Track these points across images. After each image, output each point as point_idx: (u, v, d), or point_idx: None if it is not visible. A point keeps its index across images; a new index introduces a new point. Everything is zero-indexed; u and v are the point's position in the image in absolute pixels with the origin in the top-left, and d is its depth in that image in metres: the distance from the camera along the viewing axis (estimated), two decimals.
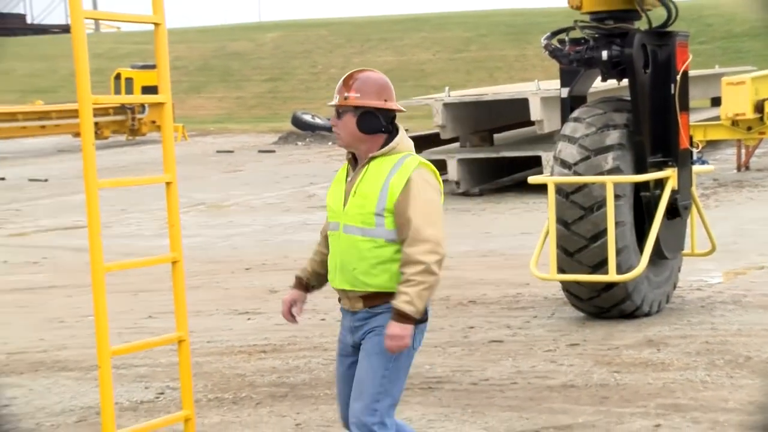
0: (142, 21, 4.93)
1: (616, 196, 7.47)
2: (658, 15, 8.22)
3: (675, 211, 8.00)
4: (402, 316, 4.06)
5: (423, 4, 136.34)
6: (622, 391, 6.05)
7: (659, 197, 7.81)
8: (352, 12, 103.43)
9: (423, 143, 17.97)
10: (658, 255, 7.90)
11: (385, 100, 4.33)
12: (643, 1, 8.14)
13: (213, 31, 52.05)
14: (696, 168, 8.72)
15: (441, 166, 16.75)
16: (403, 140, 4.33)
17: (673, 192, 7.90)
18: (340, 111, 4.33)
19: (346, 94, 4.31)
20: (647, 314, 7.89)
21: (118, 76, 30.71)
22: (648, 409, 5.70)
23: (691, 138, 8.37)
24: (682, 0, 9.98)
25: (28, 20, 67.22)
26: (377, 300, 4.21)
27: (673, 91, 7.95)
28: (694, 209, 8.41)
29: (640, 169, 7.79)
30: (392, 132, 4.31)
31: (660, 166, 7.92)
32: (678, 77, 8.00)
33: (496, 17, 46.36)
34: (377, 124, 4.31)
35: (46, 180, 21.10)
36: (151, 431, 4.87)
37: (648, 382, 6.19)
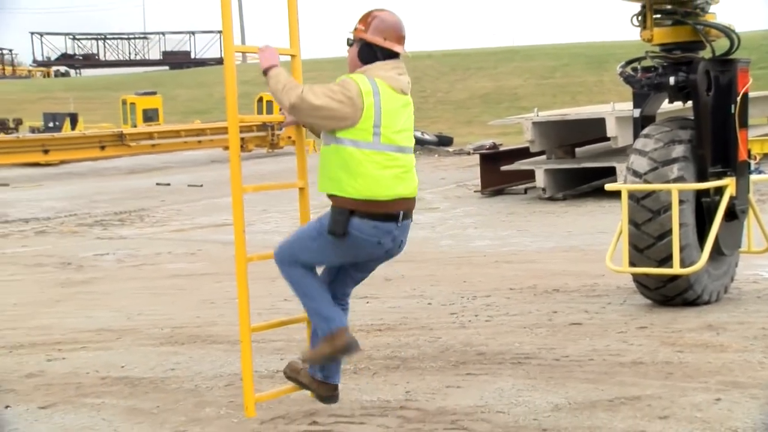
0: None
1: (680, 201, 7.33)
2: (722, 44, 8.03)
3: (733, 214, 7.81)
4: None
5: (515, 37, 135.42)
6: (685, 368, 5.90)
7: (719, 202, 7.64)
8: (455, 45, 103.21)
9: (515, 156, 17.87)
10: (717, 252, 7.73)
11: (384, 39, 4.31)
12: (707, 33, 7.95)
13: (341, 62, 52.50)
14: (753, 177, 8.47)
15: (530, 175, 16.64)
16: (375, 67, 4.32)
17: (732, 198, 7.71)
18: (351, 40, 4.39)
19: (356, 26, 4.36)
20: (707, 303, 7.71)
21: (260, 99, 31.14)
22: (709, 384, 5.55)
23: (749, 151, 8.16)
24: (745, 30, 9.73)
25: (192, 56, 68.63)
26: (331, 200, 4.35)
27: (733, 111, 7.77)
28: (751, 212, 8.20)
29: (701, 178, 7.64)
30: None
31: (720, 176, 7.74)
32: (738, 98, 7.81)
33: (578, 48, 45.76)
34: (373, 56, 4.32)
35: (201, 185, 21.52)
36: (285, 395, 4.93)
37: (708, 361, 6.03)
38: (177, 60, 67.19)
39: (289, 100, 4.23)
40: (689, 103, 7.91)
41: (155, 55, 69.77)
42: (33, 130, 34.99)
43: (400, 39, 4.38)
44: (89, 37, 70.94)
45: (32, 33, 70.39)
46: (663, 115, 8.49)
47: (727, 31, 7.97)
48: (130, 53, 70.66)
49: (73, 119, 34.68)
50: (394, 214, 4.30)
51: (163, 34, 70.25)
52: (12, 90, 52.92)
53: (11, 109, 42.99)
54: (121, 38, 70.99)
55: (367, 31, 4.34)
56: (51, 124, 34.85)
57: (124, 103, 35.60)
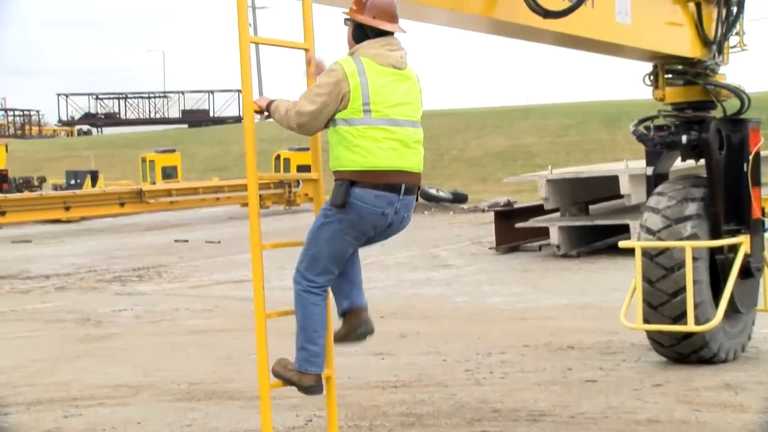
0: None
1: (694, 259, 7.31)
2: (733, 104, 8.07)
3: (748, 272, 7.76)
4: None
5: (530, 96, 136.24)
6: (703, 428, 5.83)
7: (733, 260, 7.61)
8: (470, 103, 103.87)
9: (530, 213, 17.86)
10: (733, 309, 7.67)
11: (374, 17, 4.41)
12: (718, 93, 8.00)
13: None
14: None
15: (545, 232, 16.61)
16: (363, 47, 4.42)
17: (746, 255, 7.68)
18: (346, 20, 4.50)
19: (350, 6, 4.48)
20: (724, 361, 7.64)
21: (278, 157, 31.33)
22: None
23: (763, 209, 8.15)
24: (755, 90, 9.79)
25: (211, 114, 69.25)
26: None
27: (745, 169, 7.78)
28: (766, 270, 8.16)
29: (715, 235, 7.62)
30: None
31: (734, 233, 7.72)
32: (750, 157, 7.82)
33: (591, 107, 45.95)
34: (364, 36, 4.43)
35: (219, 242, 21.55)
36: None
37: (727, 422, 5.95)
38: (196, 118, 67.77)
39: (296, 123, 4.39)
40: (702, 161, 7.94)
41: (175, 113, 70.41)
42: (56, 187, 35.26)
43: (392, 17, 4.48)
44: (111, 96, 71.77)
45: (59, 94, 71.40)
46: (676, 173, 8.52)
47: (737, 92, 8.02)
48: (150, 112, 71.37)
49: (94, 176, 34.96)
50: (394, 184, 4.39)
51: (183, 92, 70.98)
52: (38, 149, 53.53)
53: (37, 167, 43.44)
54: (142, 97, 71.74)
55: (359, 11, 4.46)
56: (73, 182, 35.13)
57: (143, 160, 35.88)
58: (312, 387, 4.55)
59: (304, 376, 4.53)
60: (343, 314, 4.65)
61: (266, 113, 4.53)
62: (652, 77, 8.25)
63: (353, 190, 4.34)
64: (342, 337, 4.67)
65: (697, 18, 8.05)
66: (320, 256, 4.47)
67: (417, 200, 4.58)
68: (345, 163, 4.37)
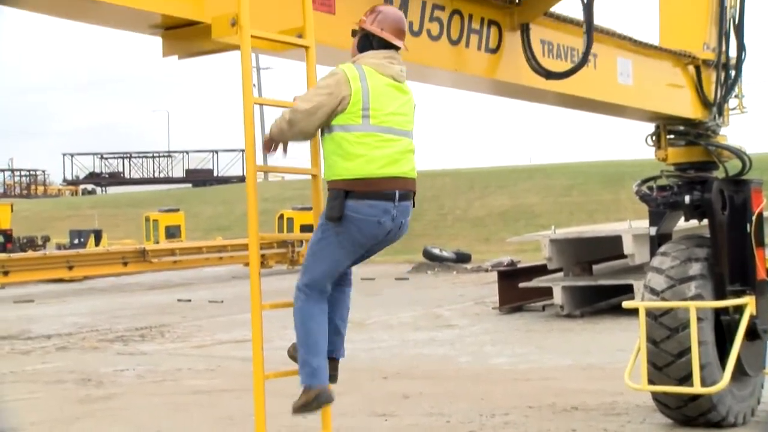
0: (302, 172, 5.04)
1: (699, 319, 7.25)
2: (735, 165, 8.09)
3: (755, 334, 7.67)
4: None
5: (533, 155, 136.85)
6: None
7: (739, 321, 7.55)
8: (473, 163, 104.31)
9: (533, 273, 17.83)
10: (740, 372, 7.58)
11: (382, 29, 4.50)
12: (719, 154, 8.03)
13: None
14: None
15: (548, 292, 16.56)
16: (366, 56, 4.50)
17: (752, 317, 7.61)
18: (355, 31, 4.60)
19: (362, 18, 4.57)
20: (733, 425, 7.51)
21: (281, 216, 31.40)
22: None
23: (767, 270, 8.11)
24: (756, 152, 9.84)
25: (215, 173, 69.58)
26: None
27: (749, 230, 7.77)
28: None
29: (720, 295, 7.57)
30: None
31: (739, 294, 7.67)
32: (754, 218, 7.81)
33: (594, 167, 46.11)
34: (368, 46, 4.51)
35: (222, 301, 21.50)
36: None
37: None
38: (200, 177, 68.10)
39: (287, 120, 4.42)
40: (705, 221, 7.93)
41: (179, 172, 70.78)
42: (59, 246, 35.31)
43: (399, 33, 4.58)
44: (116, 156, 72.23)
45: (64, 154, 71.95)
46: (679, 233, 8.51)
47: (738, 153, 8.06)
48: (154, 171, 71.74)
49: (98, 236, 35.02)
50: (388, 193, 4.42)
51: (187, 152, 71.41)
52: (43, 208, 53.73)
53: (41, 227, 43.55)
54: (146, 157, 72.18)
55: (369, 23, 4.53)
56: (76, 241, 35.18)
57: (147, 219, 35.98)
58: (318, 397, 4.53)
59: (310, 391, 4.53)
60: None
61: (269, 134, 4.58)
62: (654, 138, 8.30)
63: (348, 203, 4.36)
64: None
65: (697, 80, 8.13)
66: (320, 270, 4.51)
67: (414, 206, 4.62)
68: (339, 172, 4.40)
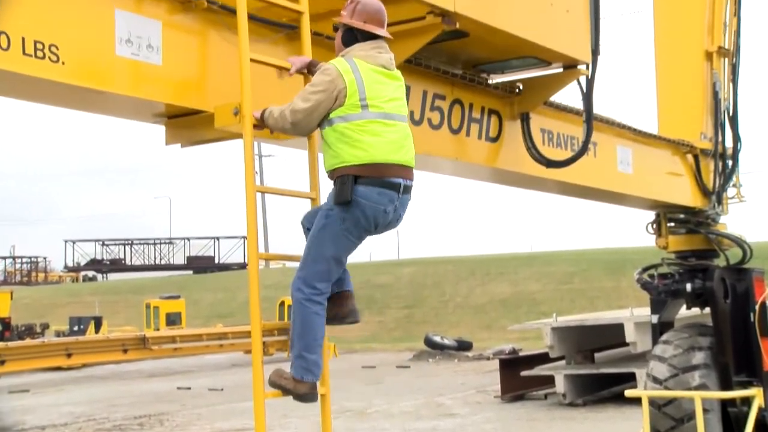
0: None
1: (705, 410, 7.13)
2: (735, 253, 8.09)
3: (765, 427, 7.52)
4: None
5: (533, 243, 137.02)
6: None
7: (747, 413, 7.42)
8: (474, 250, 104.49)
9: (535, 361, 17.68)
10: None
11: (365, 22, 4.48)
12: (720, 242, 8.03)
13: (361, 267, 52.93)
14: None
15: (550, 380, 16.40)
16: (354, 49, 4.47)
17: (761, 409, 7.47)
18: (336, 26, 4.58)
19: (341, 12, 4.54)
20: None
21: (282, 304, 31.27)
22: None
23: None
24: (755, 240, 9.86)
25: (216, 260, 69.56)
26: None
27: (753, 319, 7.71)
28: None
29: (725, 386, 7.46)
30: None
31: (745, 385, 7.55)
32: (757, 307, 7.77)
33: (595, 255, 46.11)
34: (354, 39, 4.50)
35: (222, 389, 21.29)
36: None
37: None
38: (201, 264, 68.02)
39: (290, 121, 4.40)
40: (707, 310, 7.89)
41: (180, 259, 70.71)
42: (58, 333, 35.07)
43: (381, 23, 4.58)
44: (117, 242, 72.32)
45: (66, 241, 72.05)
46: (681, 321, 8.47)
47: (738, 241, 8.07)
48: (155, 258, 71.73)
49: (98, 323, 34.82)
50: (395, 183, 4.41)
51: (188, 239, 71.47)
52: (43, 295, 53.58)
53: (41, 314, 43.36)
54: (147, 243, 72.23)
55: (349, 16, 4.55)
56: (76, 328, 34.98)
57: (147, 306, 35.81)
58: (307, 395, 4.52)
59: (300, 384, 4.51)
60: (329, 298, 4.59)
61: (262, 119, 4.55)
62: (655, 226, 8.32)
63: (357, 188, 4.35)
64: (329, 319, 4.63)
65: (696, 169, 8.19)
66: (324, 259, 4.47)
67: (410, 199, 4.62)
68: (347, 158, 4.38)
